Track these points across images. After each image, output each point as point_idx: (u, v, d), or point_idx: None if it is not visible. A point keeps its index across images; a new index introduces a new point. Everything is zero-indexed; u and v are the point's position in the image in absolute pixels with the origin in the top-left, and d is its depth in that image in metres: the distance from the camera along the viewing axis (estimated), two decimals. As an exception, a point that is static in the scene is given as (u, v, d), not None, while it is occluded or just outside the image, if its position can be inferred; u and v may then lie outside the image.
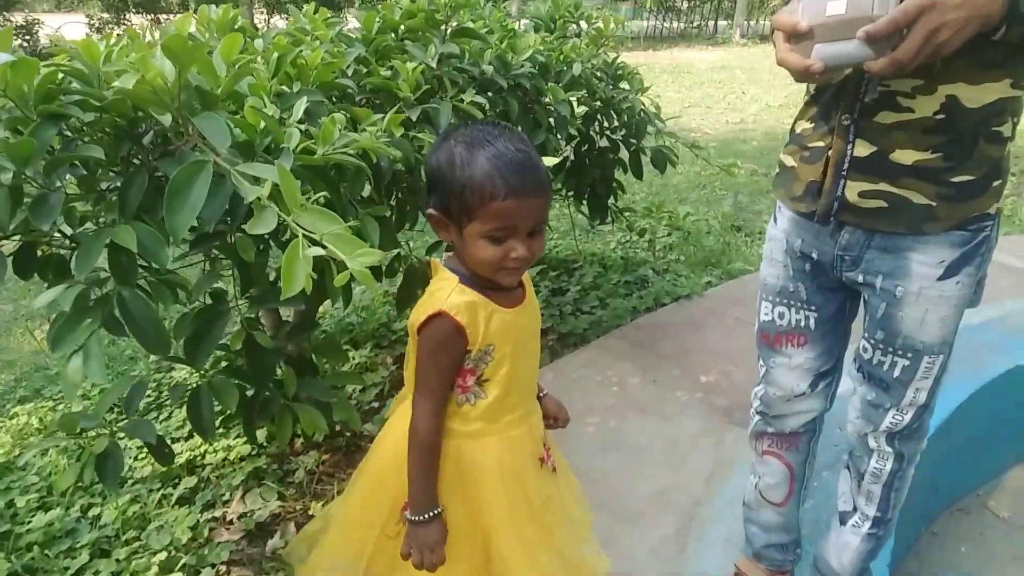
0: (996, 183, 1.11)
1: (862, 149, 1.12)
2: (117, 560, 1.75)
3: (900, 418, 1.26)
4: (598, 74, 2.65)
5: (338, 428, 2.18)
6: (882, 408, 1.27)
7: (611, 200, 3.06)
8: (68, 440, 1.49)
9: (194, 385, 1.56)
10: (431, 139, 1.66)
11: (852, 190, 1.14)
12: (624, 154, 2.85)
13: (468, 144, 0.99)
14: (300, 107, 1.28)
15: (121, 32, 1.40)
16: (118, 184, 1.20)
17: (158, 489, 2.00)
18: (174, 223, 1.03)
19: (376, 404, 2.42)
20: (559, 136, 2.40)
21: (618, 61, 2.79)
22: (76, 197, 1.30)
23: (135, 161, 1.27)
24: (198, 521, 1.88)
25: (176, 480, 2.04)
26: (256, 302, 1.52)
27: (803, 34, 1.02)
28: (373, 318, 3.04)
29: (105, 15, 15.29)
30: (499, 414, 1.12)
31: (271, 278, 1.57)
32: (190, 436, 2.23)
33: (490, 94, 2.06)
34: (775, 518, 1.55)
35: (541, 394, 1.27)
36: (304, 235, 0.91)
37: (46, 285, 1.28)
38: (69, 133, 1.19)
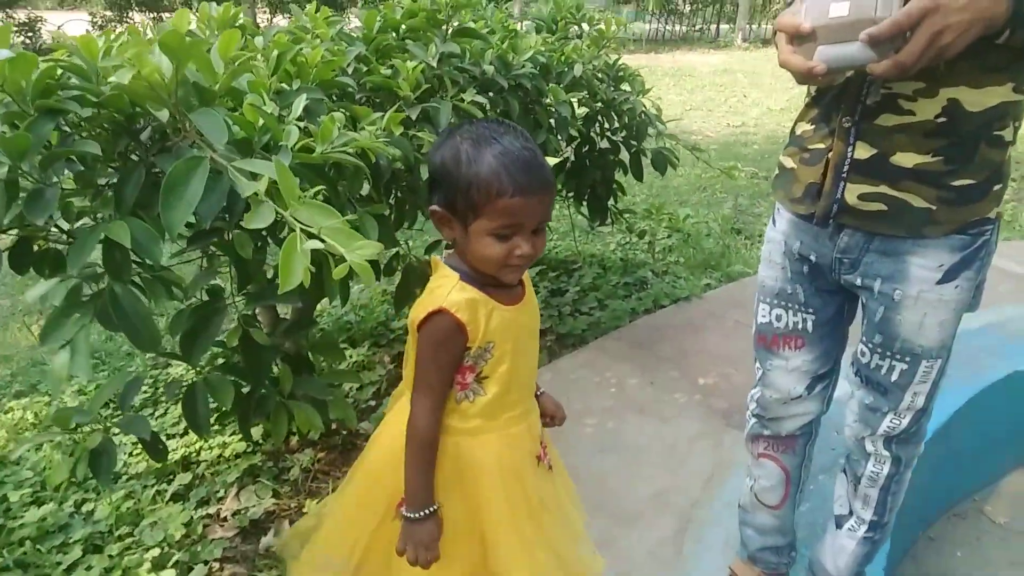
0: (997, 187, 1.11)
1: (862, 151, 1.11)
2: (110, 556, 1.74)
3: (898, 422, 1.26)
4: (599, 75, 2.65)
5: (334, 426, 2.18)
6: (880, 412, 1.27)
7: (611, 201, 3.06)
8: (62, 435, 1.48)
9: (190, 381, 1.55)
10: (431, 138, 1.65)
11: (852, 192, 1.13)
12: (624, 156, 2.84)
13: (474, 141, 0.99)
14: (299, 105, 1.28)
15: (123, 30, 1.39)
16: (115, 180, 1.20)
17: (152, 485, 2.00)
18: (170, 219, 1.02)
19: (373, 403, 2.42)
20: (560, 137, 2.39)
21: (619, 63, 2.79)
22: (73, 192, 1.30)
23: (133, 157, 1.26)
24: (192, 518, 1.87)
25: (171, 476, 2.04)
26: (253, 299, 1.52)
27: (806, 36, 1.02)
28: (371, 317, 3.03)
29: (108, 13, 15.31)
30: (498, 411, 1.12)
31: (268, 275, 1.57)
32: (185, 432, 2.22)
33: (491, 94, 2.05)
34: (770, 521, 1.55)
35: (538, 392, 1.27)
36: (302, 229, 0.91)
37: (43, 280, 1.27)
38: (67, 128, 1.19)
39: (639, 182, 3.03)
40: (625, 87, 2.75)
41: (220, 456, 2.11)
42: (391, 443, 1.12)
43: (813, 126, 1.21)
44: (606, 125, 2.79)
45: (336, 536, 1.22)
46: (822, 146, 1.17)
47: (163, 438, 2.20)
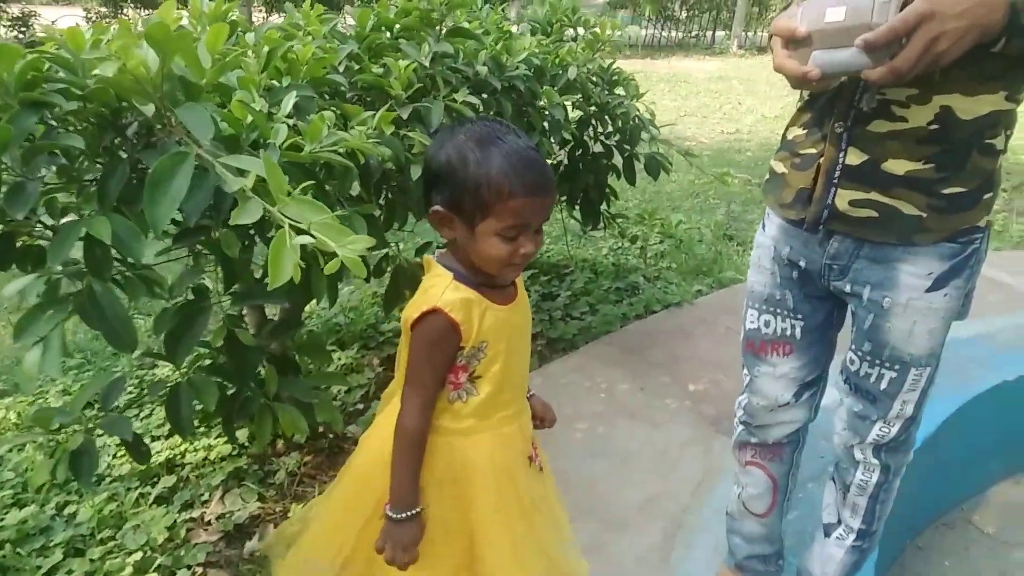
0: (987, 196, 1.10)
1: (854, 157, 1.11)
2: (91, 560, 1.72)
3: (887, 430, 1.25)
4: (593, 79, 2.64)
5: (321, 429, 2.16)
6: (869, 420, 1.26)
7: (604, 206, 3.05)
8: (45, 436, 1.46)
9: (174, 382, 1.53)
10: (422, 138, 1.64)
11: (843, 198, 1.13)
12: (618, 160, 2.84)
13: (479, 141, 0.99)
14: (289, 102, 1.26)
15: (114, 23, 1.37)
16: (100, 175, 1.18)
17: (136, 488, 1.97)
18: (154, 215, 1.01)
19: (361, 406, 2.40)
20: (553, 140, 2.39)
21: (614, 67, 2.78)
22: (59, 188, 1.28)
23: (121, 154, 1.24)
24: (175, 521, 1.85)
25: (155, 479, 2.01)
26: (239, 298, 1.50)
27: (801, 40, 1.01)
28: (361, 319, 3.01)
29: (103, 9, 15.25)
30: (491, 411, 1.12)
31: (256, 275, 1.55)
32: (171, 434, 2.20)
33: (484, 95, 2.04)
34: (758, 529, 1.54)
35: (529, 395, 1.27)
36: (291, 225, 0.89)
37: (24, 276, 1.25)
38: (54, 122, 1.17)
39: (632, 187, 3.03)
40: (619, 91, 2.74)
41: (205, 459, 2.09)
42: (381, 445, 1.11)
43: (805, 131, 1.20)
44: (599, 129, 2.78)
45: (323, 538, 1.21)
46: (813, 151, 1.17)
47: (148, 439, 2.19)
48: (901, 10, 0.91)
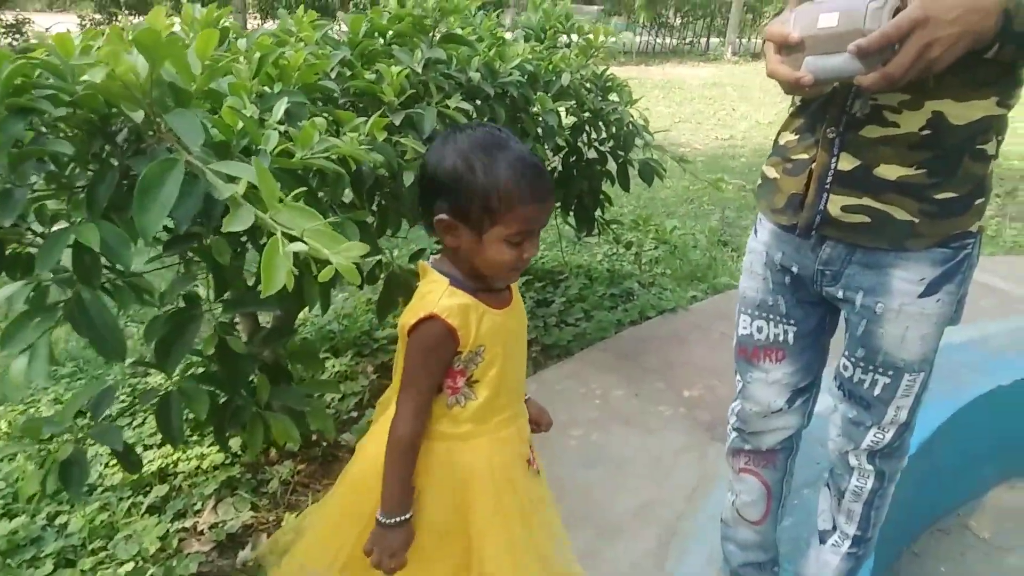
0: (979, 201, 1.10)
1: (846, 163, 1.11)
2: (82, 571, 1.70)
3: (881, 436, 1.25)
4: (587, 85, 2.65)
5: (314, 438, 2.14)
6: (863, 426, 1.26)
7: (598, 212, 3.05)
8: (35, 446, 1.45)
9: (165, 391, 1.52)
10: (415, 144, 1.64)
11: (835, 204, 1.13)
12: (612, 166, 2.84)
13: (484, 148, 1.00)
14: (280, 108, 1.26)
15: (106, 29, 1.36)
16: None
17: (128, 497, 1.96)
18: (143, 222, 1.00)
19: (355, 413, 2.38)
20: (546, 146, 2.38)
21: (607, 73, 2.79)
22: (49, 195, 1.27)
23: (112, 161, 1.24)
24: (168, 531, 1.83)
25: (147, 488, 1.99)
26: (231, 306, 1.49)
27: (794, 46, 1.01)
28: (355, 326, 3.00)
29: (97, 16, 15.25)
30: (489, 415, 1.12)
31: (249, 282, 1.54)
32: (163, 443, 2.17)
33: (477, 102, 2.04)
34: (752, 536, 1.53)
35: (525, 398, 1.27)
36: (283, 232, 0.88)
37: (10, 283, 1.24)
38: (43, 129, 1.17)
39: (626, 193, 3.03)
40: (613, 97, 2.74)
41: (198, 468, 2.07)
42: (377, 452, 1.11)
43: (797, 136, 1.20)
44: (593, 135, 2.79)
45: (319, 544, 1.21)
46: (806, 156, 1.17)
47: (140, 448, 2.17)
48: (894, 16, 0.91)
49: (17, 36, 12.75)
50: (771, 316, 1.33)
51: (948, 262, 1.11)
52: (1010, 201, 5.07)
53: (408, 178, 1.63)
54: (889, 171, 1.08)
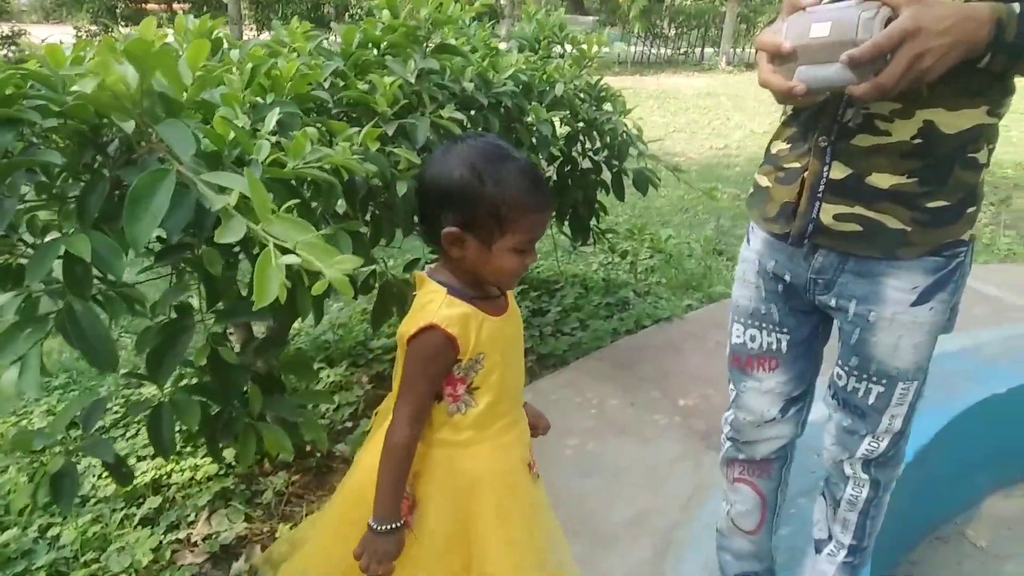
0: (970, 210, 1.11)
1: (838, 171, 1.11)
2: (73, 583, 1.69)
3: (876, 445, 1.25)
4: (581, 95, 2.66)
5: (308, 448, 2.13)
6: (858, 435, 1.26)
7: (593, 221, 3.05)
8: (25, 458, 1.43)
9: (156, 402, 1.51)
10: (408, 154, 1.64)
11: (827, 212, 1.13)
12: (606, 175, 2.84)
13: (489, 159, 1.02)
14: (272, 118, 1.26)
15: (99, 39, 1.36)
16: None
17: (121, 509, 1.94)
18: (134, 232, 0.99)
19: (350, 424, 2.37)
20: (541, 156, 2.39)
21: (601, 83, 2.79)
22: (40, 205, 1.27)
23: (103, 171, 1.23)
24: (161, 542, 1.82)
25: (140, 500, 1.98)
26: (223, 316, 1.48)
27: (786, 56, 1.02)
28: (350, 336, 2.99)
29: (93, 27, 15.26)
30: (490, 421, 1.13)
31: (244, 292, 1.53)
32: (156, 454, 2.17)
33: (472, 112, 2.05)
34: (747, 546, 1.53)
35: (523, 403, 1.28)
36: (275, 244, 0.88)
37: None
38: (35, 139, 1.16)
39: (621, 202, 3.03)
40: (607, 107, 2.75)
41: (192, 479, 2.06)
42: (374, 463, 1.12)
43: (789, 145, 1.20)
44: (588, 145, 2.79)
45: (321, 554, 1.22)
46: (798, 165, 1.17)
47: (134, 459, 2.16)
48: (886, 26, 0.92)
49: (13, 47, 12.78)
50: (764, 325, 1.33)
51: (940, 270, 1.11)
52: (1004, 209, 5.08)
53: (401, 188, 1.63)
54: (881, 180, 1.08)
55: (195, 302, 1.55)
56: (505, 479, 1.15)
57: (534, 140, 2.31)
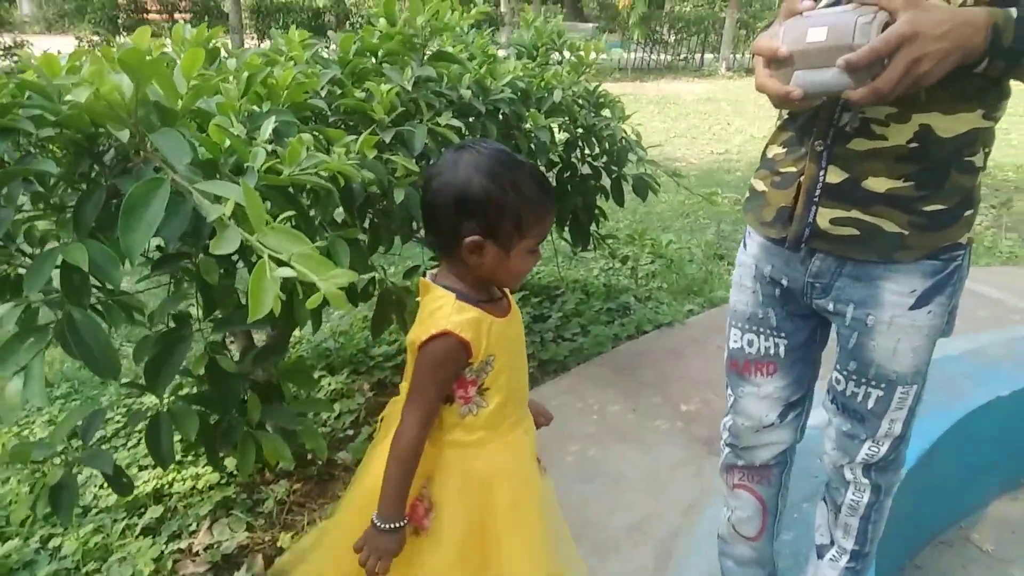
0: (967, 213, 1.10)
1: (834, 176, 1.11)
2: (75, 594, 1.68)
3: (876, 449, 1.24)
4: (579, 101, 2.66)
5: (309, 457, 2.13)
6: (858, 439, 1.25)
7: (593, 227, 3.05)
8: (26, 469, 1.43)
9: (154, 412, 1.51)
10: (405, 162, 1.64)
11: (824, 217, 1.12)
12: (606, 181, 2.84)
13: (503, 166, 1.04)
14: (268, 127, 1.26)
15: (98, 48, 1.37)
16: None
17: (122, 519, 1.94)
18: (129, 242, 0.99)
19: (351, 431, 2.37)
20: (540, 162, 2.39)
21: (600, 89, 2.80)
22: (38, 215, 1.27)
23: (100, 181, 1.24)
24: (162, 552, 1.81)
25: (142, 509, 1.98)
26: (221, 325, 1.48)
27: (783, 60, 1.01)
28: (351, 343, 2.99)
29: (95, 37, 15.34)
30: (500, 420, 1.15)
31: (243, 301, 1.53)
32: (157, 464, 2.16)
33: (470, 119, 2.05)
34: (749, 552, 1.52)
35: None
36: (270, 256, 0.88)
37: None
38: (31, 149, 1.17)
39: (622, 208, 3.03)
40: (606, 113, 2.75)
41: (193, 488, 2.05)
42: (383, 469, 1.12)
43: (785, 149, 1.20)
44: (587, 151, 2.79)
45: (329, 562, 1.23)
46: (794, 169, 1.17)
47: (135, 469, 2.16)
48: (883, 31, 0.92)
49: (15, 58, 12.86)
50: (762, 329, 1.32)
51: (938, 274, 1.11)
52: (1005, 212, 5.07)
53: (399, 195, 1.63)
54: (877, 184, 1.08)
55: (194, 311, 1.55)
56: (518, 474, 1.17)
57: (532, 146, 2.31)
